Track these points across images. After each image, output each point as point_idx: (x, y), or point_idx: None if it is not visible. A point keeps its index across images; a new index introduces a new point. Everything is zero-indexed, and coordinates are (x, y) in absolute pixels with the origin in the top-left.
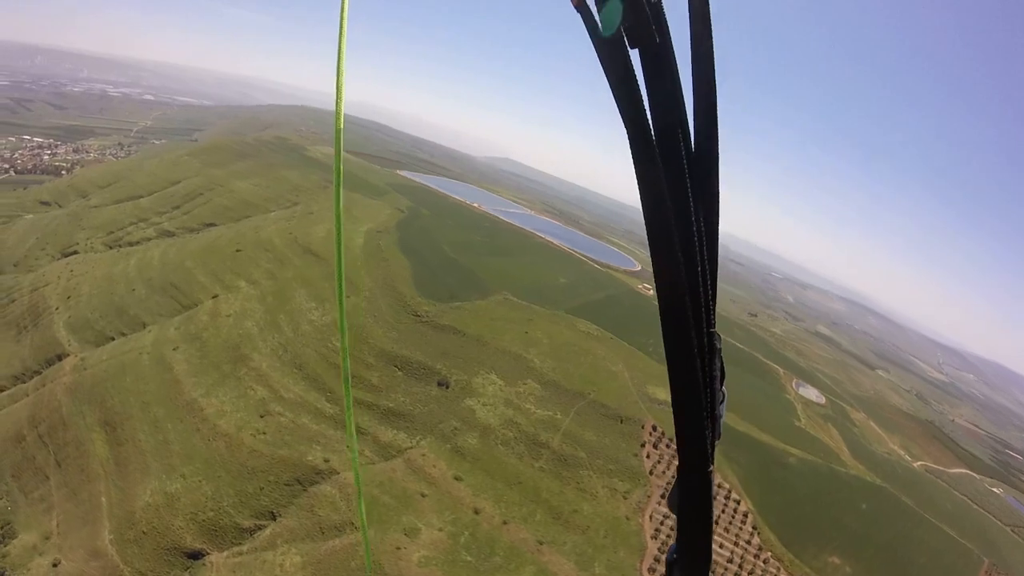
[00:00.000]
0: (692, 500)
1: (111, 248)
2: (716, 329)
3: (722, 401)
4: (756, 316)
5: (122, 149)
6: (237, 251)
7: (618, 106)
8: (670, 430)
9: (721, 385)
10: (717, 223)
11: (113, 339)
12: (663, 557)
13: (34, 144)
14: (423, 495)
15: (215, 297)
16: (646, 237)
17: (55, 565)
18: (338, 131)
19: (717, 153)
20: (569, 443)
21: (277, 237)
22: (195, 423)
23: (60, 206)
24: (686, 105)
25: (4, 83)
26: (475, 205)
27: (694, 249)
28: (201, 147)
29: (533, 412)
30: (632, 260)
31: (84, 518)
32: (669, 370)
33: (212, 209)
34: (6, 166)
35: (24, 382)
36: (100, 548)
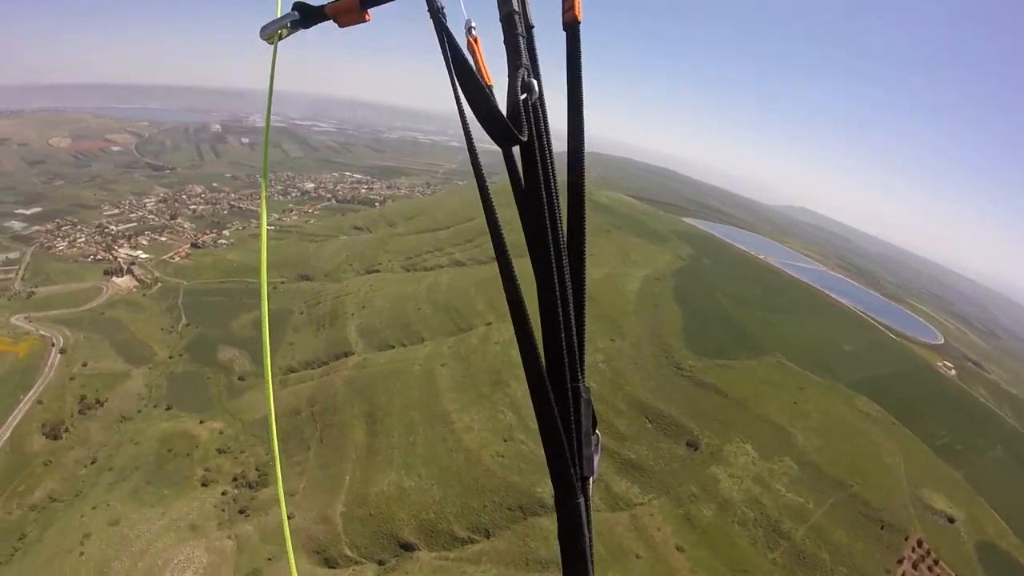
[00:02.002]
0: (568, 529)
1: (408, 271)
2: (582, 384)
3: (596, 444)
4: None
5: (428, 188)
6: None
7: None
8: (940, 550)
9: (594, 430)
10: (584, 296)
11: (393, 347)
12: None
13: (354, 179)
14: (638, 556)
15: (489, 324)
16: None
17: (290, 517)
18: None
19: (584, 240)
20: (814, 539)
21: None
22: (443, 433)
23: (370, 231)
24: (558, 197)
25: (331, 130)
26: (760, 257)
27: (557, 322)
28: (495, 188)
29: (782, 495)
30: (935, 332)
31: (326, 488)
32: (536, 415)
33: None
34: (329, 195)
35: (313, 369)
36: (330, 516)
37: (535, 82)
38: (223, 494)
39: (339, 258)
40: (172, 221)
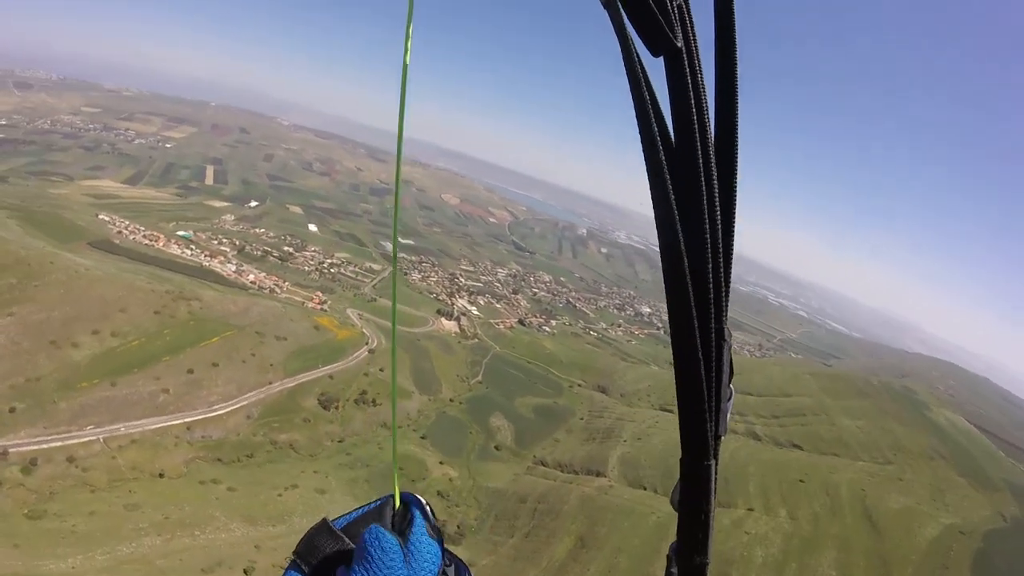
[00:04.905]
0: (692, 493)
1: None
2: (727, 325)
3: (729, 398)
4: None
5: (759, 349)
6: (800, 481)
7: (636, 114)
8: None
9: (729, 382)
10: (732, 233)
11: (644, 489)
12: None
13: None
14: None
15: (750, 510)
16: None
17: None
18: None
19: (736, 156)
20: None
21: (846, 486)
22: None
23: None
24: (708, 113)
25: None
26: None
27: (704, 246)
28: (826, 372)
29: None
30: None
31: None
32: (675, 362)
33: (805, 433)
34: (660, 325)
35: (562, 472)
36: None
37: None
38: None
39: (641, 384)
40: (512, 295)
